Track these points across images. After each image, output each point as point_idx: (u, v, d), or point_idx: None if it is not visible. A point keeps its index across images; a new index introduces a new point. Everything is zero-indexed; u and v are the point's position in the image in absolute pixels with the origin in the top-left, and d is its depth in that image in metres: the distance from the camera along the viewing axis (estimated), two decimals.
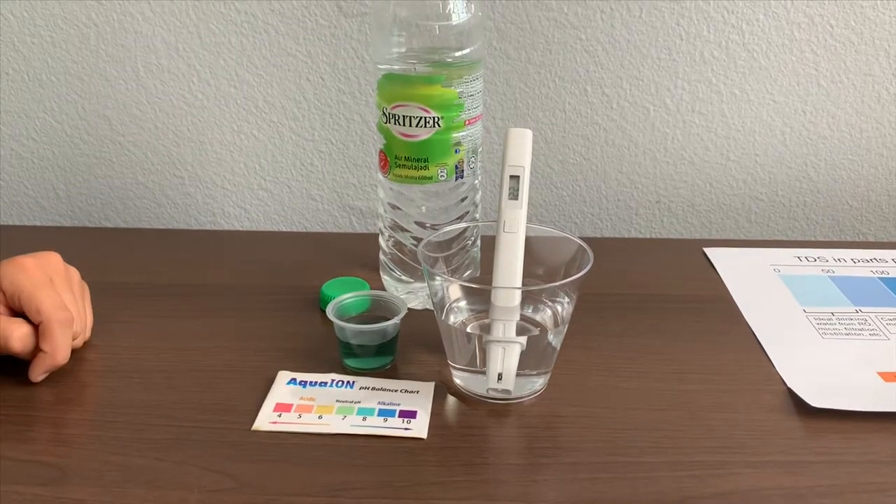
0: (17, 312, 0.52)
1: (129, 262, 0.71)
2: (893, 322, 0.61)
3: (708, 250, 0.73)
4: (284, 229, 0.84)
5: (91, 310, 0.58)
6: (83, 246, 0.74)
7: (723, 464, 0.46)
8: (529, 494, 0.44)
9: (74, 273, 0.57)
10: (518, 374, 0.50)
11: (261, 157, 0.82)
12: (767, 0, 0.74)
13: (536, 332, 0.53)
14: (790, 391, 0.52)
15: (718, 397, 0.52)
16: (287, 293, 0.65)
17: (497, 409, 0.51)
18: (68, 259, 0.58)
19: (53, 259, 0.56)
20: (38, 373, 0.52)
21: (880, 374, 0.54)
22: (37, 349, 0.52)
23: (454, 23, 0.56)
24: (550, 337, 0.52)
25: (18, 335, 0.51)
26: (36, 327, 0.52)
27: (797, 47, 0.76)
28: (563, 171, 0.81)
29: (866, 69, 0.77)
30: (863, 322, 0.61)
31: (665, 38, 0.76)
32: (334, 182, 0.82)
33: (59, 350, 0.51)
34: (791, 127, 0.79)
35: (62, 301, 0.53)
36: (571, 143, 0.80)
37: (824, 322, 0.61)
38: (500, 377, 0.50)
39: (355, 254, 0.72)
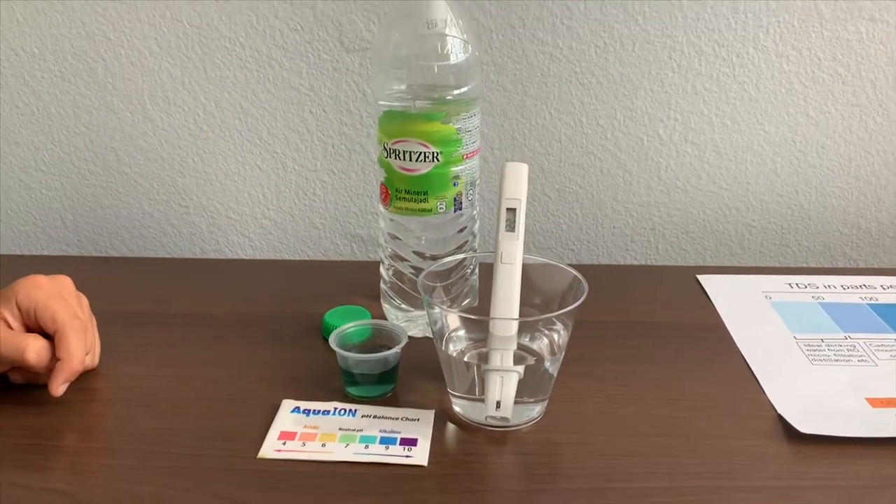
0: (31, 330, 0.54)
1: (134, 291, 0.73)
2: (881, 348, 0.63)
3: (701, 277, 0.75)
4: (287, 257, 0.86)
5: (98, 338, 0.59)
6: (89, 275, 0.75)
7: (716, 489, 0.47)
8: None
9: (84, 299, 0.59)
10: (516, 402, 0.52)
11: (264, 186, 0.84)
12: (756, 34, 0.77)
13: (533, 360, 0.54)
14: (781, 417, 0.54)
15: (711, 424, 0.54)
16: (290, 321, 0.67)
17: (496, 436, 0.53)
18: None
19: (67, 281, 0.58)
20: (58, 383, 0.53)
21: (868, 400, 0.56)
22: (52, 363, 0.53)
23: (452, 62, 0.58)
24: (547, 365, 0.54)
25: (34, 347, 0.52)
26: (50, 342, 0.53)
27: (786, 79, 0.78)
28: (560, 200, 0.83)
29: (853, 100, 0.79)
30: (851, 349, 0.63)
31: (658, 71, 0.78)
32: (336, 211, 0.84)
33: (74, 355, 0.53)
34: (781, 156, 0.81)
35: (75, 311, 0.55)
36: (567, 172, 0.82)
37: (814, 349, 0.63)
38: (498, 405, 0.51)
39: (356, 281, 0.73)
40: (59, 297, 0.55)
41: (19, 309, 0.54)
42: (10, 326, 0.54)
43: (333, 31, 0.78)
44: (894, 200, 0.82)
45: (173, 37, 0.79)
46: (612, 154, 0.81)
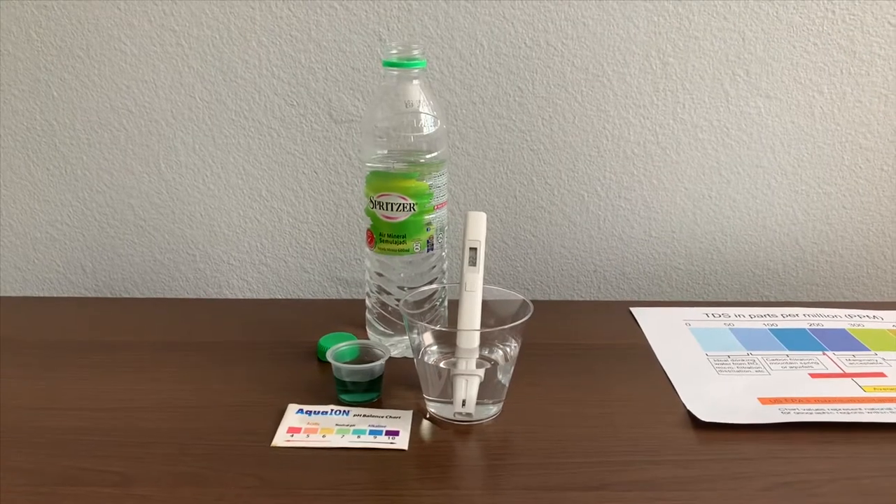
0: None
1: (148, 326, 0.85)
2: (775, 362, 0.77)
3: (633, 309, 0.89)
4: (280, 297, 0.99)
5: None
6: (107, 313, 0.88)
7: (633, 462, 0.61)
8: (487, 485, 0.58)
9: None
10: (477, 404, 0.65)
11: (262, 237, 0.97)
12: (675, 108, 0.93)
13: (490, 365, 0.67)
14: (688, 412, 0.68)
15: (633, 417, 0.67)
16: (289, 347, 0.79)
17: (461, 429, 0.66)
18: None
19: None
20: None
21: (759, 399, 0.70)
22: None
23: (425, 133, 0.73)
24: (502, 372, 0.67)
25: None
26: None
27: (701, 146, 0.94)
28: (516, 246, 0.98)
29: (757, 162, 0.95)
30: (751, 362, 0.77)
31: (595, 139, 0.94)
32: (324, 257, 0.98)
33: None
34: (700, 209, 0.97)
35: None
36: (522, 223, 0.97)
37: (721, 362, 0.77)
38: (463, 403, 0.64)
39: (343, 315, 0.86)
40: None
41: None
42: None
43: (324, 106, 0.92)
44: (795, 245, 0.98)
45: (187, 109, 0.93)
46: (558, 208, 0.96)
